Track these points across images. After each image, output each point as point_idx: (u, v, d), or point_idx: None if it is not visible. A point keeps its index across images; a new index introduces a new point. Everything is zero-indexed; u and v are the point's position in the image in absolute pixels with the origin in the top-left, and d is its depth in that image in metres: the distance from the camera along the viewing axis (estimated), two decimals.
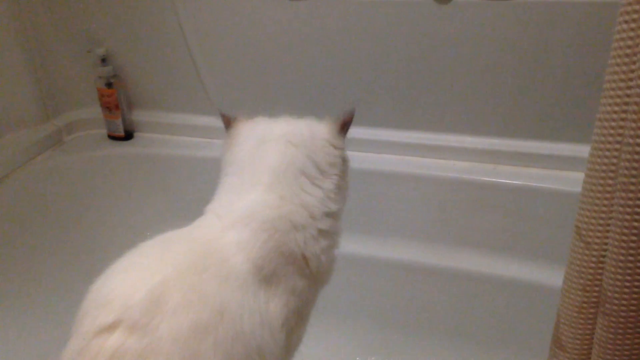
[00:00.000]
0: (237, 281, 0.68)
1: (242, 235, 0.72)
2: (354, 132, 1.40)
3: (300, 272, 0.76)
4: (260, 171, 0.78)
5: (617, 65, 0.61)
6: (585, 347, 0.73)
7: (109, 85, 1.51)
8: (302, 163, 0.79)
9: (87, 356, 0.59)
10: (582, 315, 0.72)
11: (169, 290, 0.62)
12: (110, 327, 0.59)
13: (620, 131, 0.62)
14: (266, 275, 0.71)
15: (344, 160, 0.86)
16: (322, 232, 0.79)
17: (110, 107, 1.53)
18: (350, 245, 1.42)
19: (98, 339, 0.59)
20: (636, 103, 0.57)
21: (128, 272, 0.65)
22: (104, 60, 1.49)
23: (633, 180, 0.59)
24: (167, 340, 0.59)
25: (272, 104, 1.47)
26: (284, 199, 0.76)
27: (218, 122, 1.50)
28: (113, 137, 1.59)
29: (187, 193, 1.49)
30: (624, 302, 0.64)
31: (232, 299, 0.67)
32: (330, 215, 0.81)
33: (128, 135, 1.59)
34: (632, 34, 0.59)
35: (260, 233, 0.72)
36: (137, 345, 0.58)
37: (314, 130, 0.84)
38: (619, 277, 0.63)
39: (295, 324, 0.76)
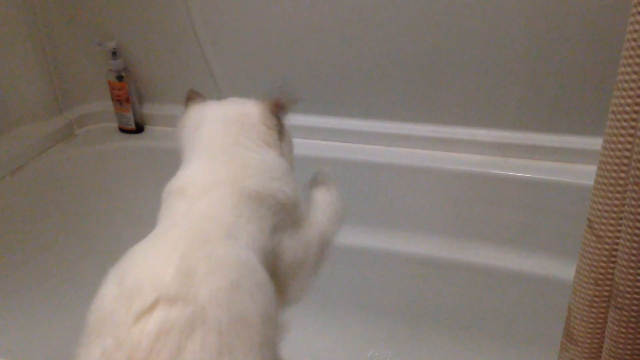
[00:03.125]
0: (233, 237, 0.71)
1: (212, 198, 0.76)
2: (363, 125, 1.45)
3: (273, 209, 0.79)
4: (200, 147, 0.85)
5: (631, 57, 0.60)
6: (597, 340, 0.73)
7: (120, 78, 1.51)
8: (235, 138, 0.84)
9: (128, 346, 0.55)
10: (594, 309, 0.72)
11: (193, 263, 0.62)
12: (150, 309, 0.57)
13: (633, 124, 0.61)
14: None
15: (282, 137, 0.90)
16: (274, 177, 0.83)
17: (121, 100, 1.54)
18: (360, 238, 1.43)
19: (138, 324, 0.56)
20: None
21: (144, 263, 0.64)
22: (114, 54, 1.50)
23: None
24: (211, 303, 0.59)
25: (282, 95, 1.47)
26: (229, 163, 0.81)
27: None
28: (124, 130, 1.60)
29: None
30: (635, 295, 0.64)
31: (242, 253, 0.69)
32: (279, 169, 0.85)
33: (139, 128, 1.59)
34: None
35: (222, 188, 0.77)
36: (183, 315, 0.57)
37: (246, 111, 0.89)
38: (631, 270, 0.63)
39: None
